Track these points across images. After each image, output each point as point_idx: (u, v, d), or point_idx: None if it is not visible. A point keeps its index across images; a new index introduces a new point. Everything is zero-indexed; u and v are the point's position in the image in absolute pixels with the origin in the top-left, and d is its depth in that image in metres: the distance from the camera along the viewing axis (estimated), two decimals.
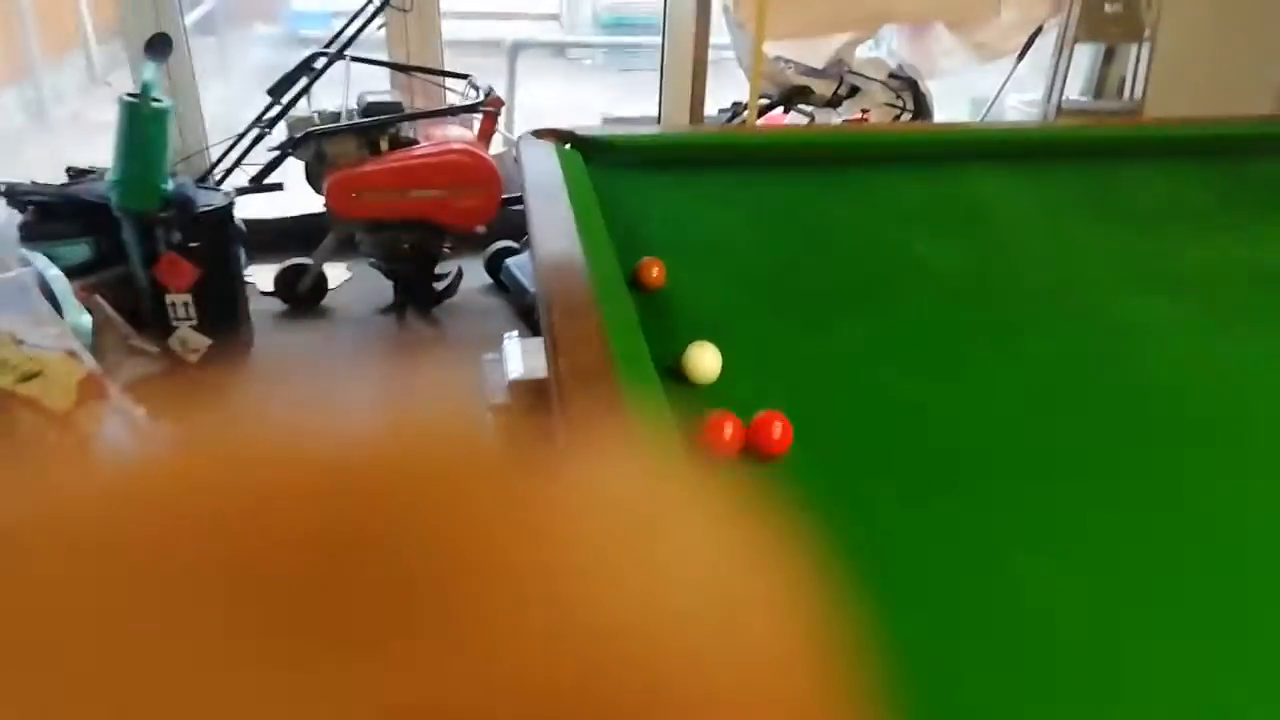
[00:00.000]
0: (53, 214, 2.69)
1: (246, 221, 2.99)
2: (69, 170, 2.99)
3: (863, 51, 3.32)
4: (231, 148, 2.93)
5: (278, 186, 2.90)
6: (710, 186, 1.82)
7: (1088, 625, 0.79)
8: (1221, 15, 3.39)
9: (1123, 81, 3.55)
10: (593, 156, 1.87)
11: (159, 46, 2.64)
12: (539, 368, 2.28)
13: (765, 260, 1.51)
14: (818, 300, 1.37)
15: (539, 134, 1.95)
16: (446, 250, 3.10)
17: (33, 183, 2.75)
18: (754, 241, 1.58)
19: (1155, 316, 1.36)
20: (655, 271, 1.37)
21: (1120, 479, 0.99)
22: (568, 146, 1.87)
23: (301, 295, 3.12)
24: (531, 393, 2.25)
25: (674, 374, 1.11)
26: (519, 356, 2.34)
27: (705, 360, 1.13)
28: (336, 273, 3.33)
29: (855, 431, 1.06)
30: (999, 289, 1.45)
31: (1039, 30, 3.47)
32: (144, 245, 2.58)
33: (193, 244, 2.60)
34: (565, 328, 1.18)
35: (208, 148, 3.19)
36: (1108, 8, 3.35)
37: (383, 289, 3.13)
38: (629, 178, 1.83)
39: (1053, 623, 0.79)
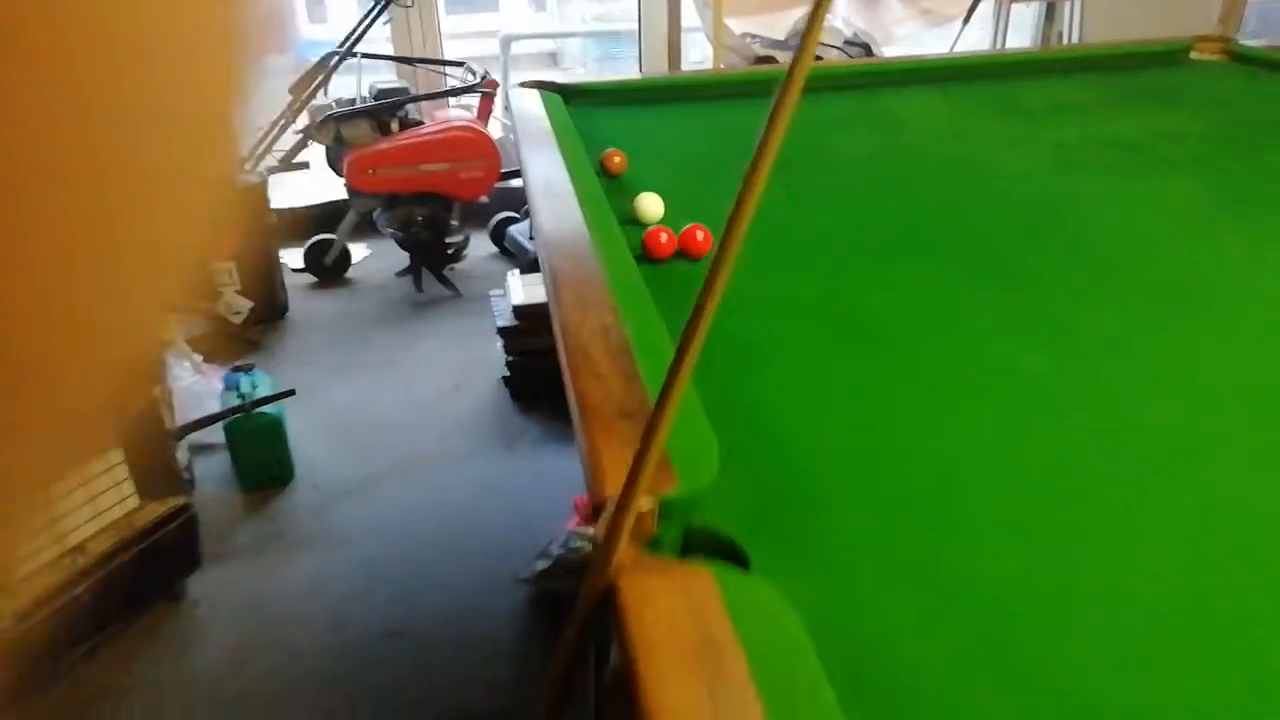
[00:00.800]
0: None
1: (276, 210, 3.35)
2: None
3: None
4: (261, 139, 3.31)
5: (305, 165, 3.28)
6: (665, 115, 2.17)
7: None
8: None
9: (1061, 36, 3.88)
10: (571, 99, 2.22)
11: None
12: (536, 296, 2.63)
13: (704, 157, 1.85)
14: (734, 171, 1.71)
15: (525, 85, 2.30)
16: (454, 223, 3.45)
17: None
18: (696, 147, 1.92)
19: (1022, 167, 1.70)
20: (618, 160, 1.71)
21: (974, 262, 1.32)
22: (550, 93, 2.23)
23: (328, 267, 3.49)
24: (529, 314, 2.60)
25: (632, 221, 1.45)
26: (520, 288, 2.69)
27: (651, 203, 1.47)
28: (357, 250, 3.70)
29: (762, 241, 1.39)
30: (901, 161, 1.79)
31: None
32: None
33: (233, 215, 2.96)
34: (547, 202, 1.51)
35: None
36: None
37: (400, 261, 3.49)
38: (600, 113, 2.17)
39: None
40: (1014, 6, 3.75)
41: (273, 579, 2.04)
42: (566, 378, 0.98)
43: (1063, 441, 0.90)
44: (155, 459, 1.83)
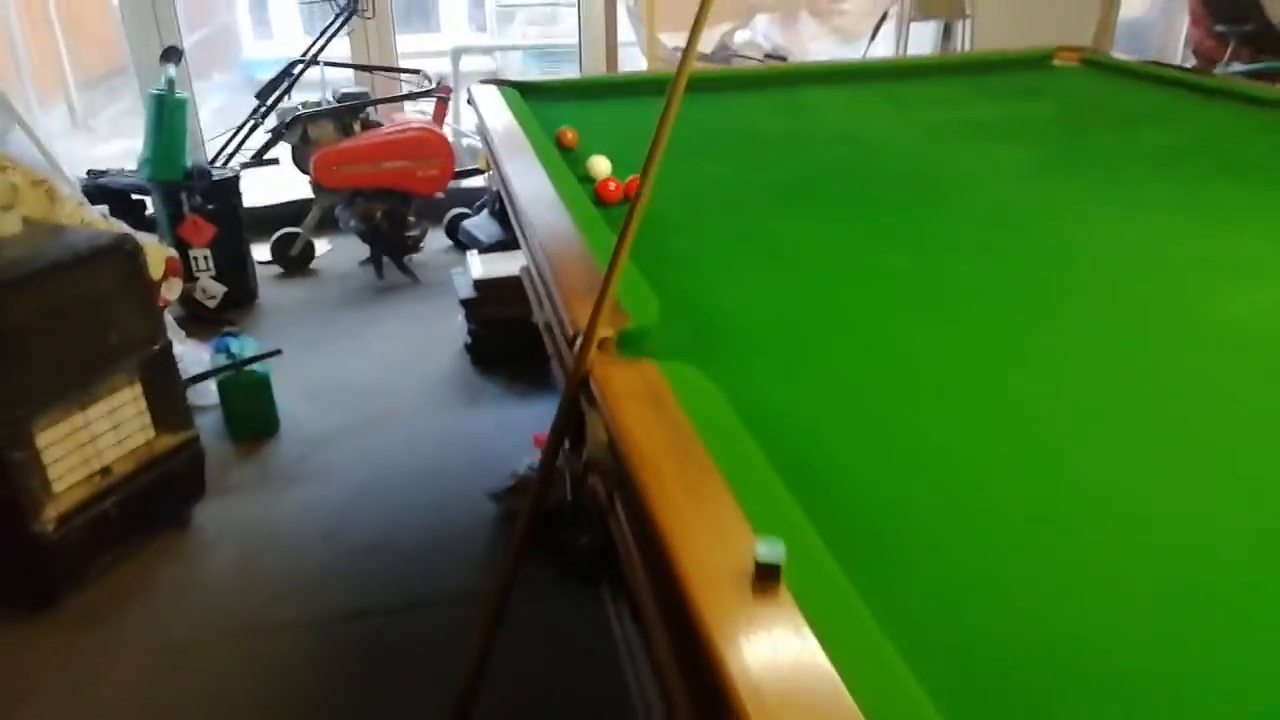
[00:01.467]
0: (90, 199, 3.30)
1: (245, 209, 3.61)
2: (89, 172, 3.60)
3: (742, 36, 4.09)
4: (230, 139, 3.58)
5: (274, 161, 3.55)
6: (609, 105, 2.52)
7: None
8: None
9: (956, 51, 4.36)
10: (527, 94, 2.56)
11: (172, 55, 3.28)
12: (494, 271, 2.95)
13: (640, 131, 2.20)
14: (677, 145, 2.07)
15: (485, 82, 2.64)
16: (412, 219, 3.75)
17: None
18: (632, 125, 2.27)
19: (899, 140, 2.09)
20: (570, 135, 2.06)
21: (855, 201, 1.69)
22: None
23: (294, 259, 3.76)
24: (488, 286, 2.92)
25: (586, 178, 1.78)
26: (479, 265, 3.01)
27: (600, 163, 1.81)
28: (320, 245, 3.97)
29: (683, 190, 1.75)
30: (805, 136, 2.17)
31: (885, 15, 4.28)
32: (170, 210, 3.21)
33: (209, 207, 3.23)
34: (514, 165, 1.84)
35: (204, 144, 3.83)
36: None
37: (361, 254, 3.77)
38: (554, 105, 2.52)
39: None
40: (914, 25, 4.21)
41: (268, 508, 2.31)
42: (548, 276, 1.32)
43: (910, 305, 1.27)
44: (168, 395, 2.10)
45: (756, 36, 4.26)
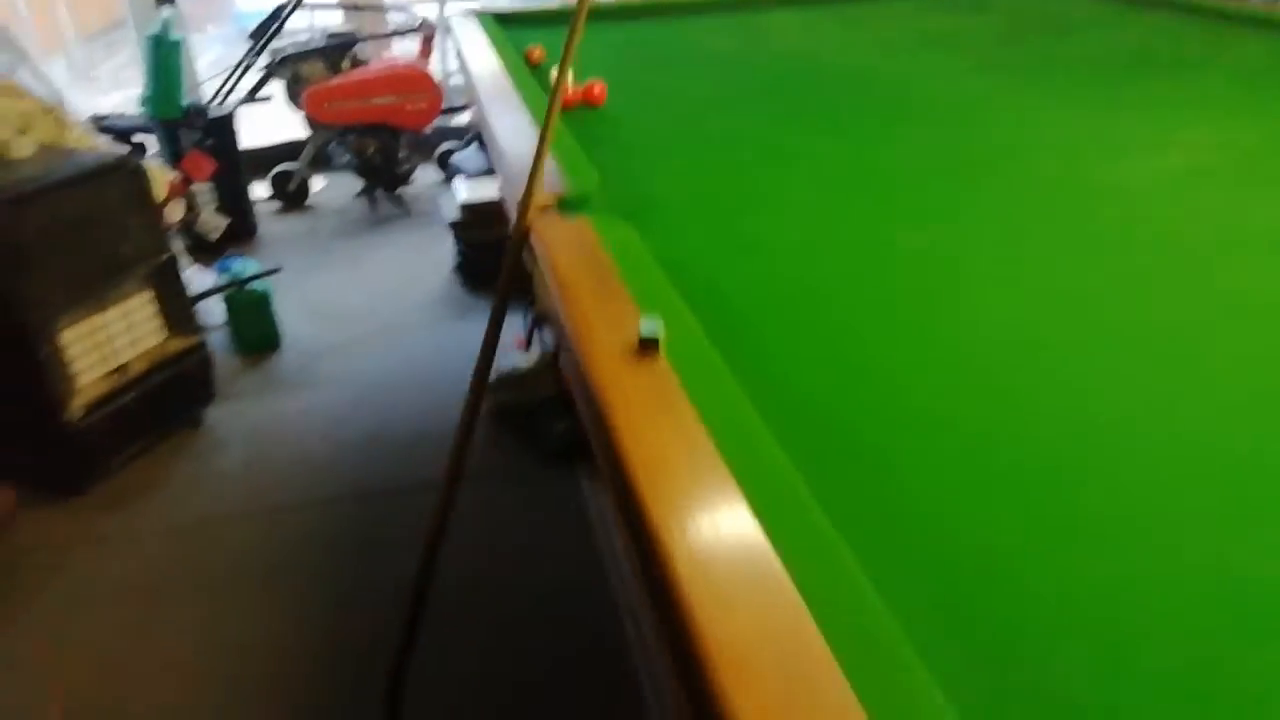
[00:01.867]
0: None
1: (242, 152, 3.76)
2: (93, 118, 3.75)
3: None
4: (226, 81, 3.73)
5: (267, 98, 3.70)
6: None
7: None
8: None
9: None
10: (504, 23, 2.71)
11: None
12: (478, 195, 3.12)
13: (601, 51, 2.35)
14: (637, 63, 2.23)
15: (468, 13, 2.78)
16: (403, 154, 3.90)
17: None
18: (595, 47, 2.43)
19: (848, 51, 2.24)
20: (537, 52, 2.21)
21: (803, 102, 1.85)
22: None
23: (291, 194, 3.93)
24: (473, 210, 3.09)
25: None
26: (465, 189, 3.18)
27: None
28: (316, 183, 4.13)
29: (654, 97, 1.91)
30: (758, 53, 2.32)
31: None
32: (171, 147, 3.37)
33: (208, 143, 3.39)
34: (486, 84, 2.00)
35: (200, 85, 3.98)
36: None
37: (355, 188, 3.93)
38: (527, 31, 2.66)
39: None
40: None
41: (273, 412, 2.52)
42: (507, 166, 1.49)
43: (833, 183, 1.44)
44: (176, 302, 2.29)
45: None
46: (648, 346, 0.88)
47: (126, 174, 2.12)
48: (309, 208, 4.00)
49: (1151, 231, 1.24)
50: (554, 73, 1.94)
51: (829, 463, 0.79)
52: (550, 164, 1.49)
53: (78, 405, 2.06)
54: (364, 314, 3.04)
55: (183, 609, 1.88)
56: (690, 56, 2.29)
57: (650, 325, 0.88)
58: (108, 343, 2.12)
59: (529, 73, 2.08)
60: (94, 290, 2.09)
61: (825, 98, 1.90)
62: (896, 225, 1.27)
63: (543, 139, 1.24)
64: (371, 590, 1.91)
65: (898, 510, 0.74)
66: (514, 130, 1.63)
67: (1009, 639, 0.61)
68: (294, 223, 3.87)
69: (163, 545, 2.04)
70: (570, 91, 1.86)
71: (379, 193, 3.85)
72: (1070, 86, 1.92)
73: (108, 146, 2.32)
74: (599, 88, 1.87)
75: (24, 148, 2.09)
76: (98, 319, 2.10)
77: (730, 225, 1.29)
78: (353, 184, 3.99)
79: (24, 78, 2.59)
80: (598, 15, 2.83)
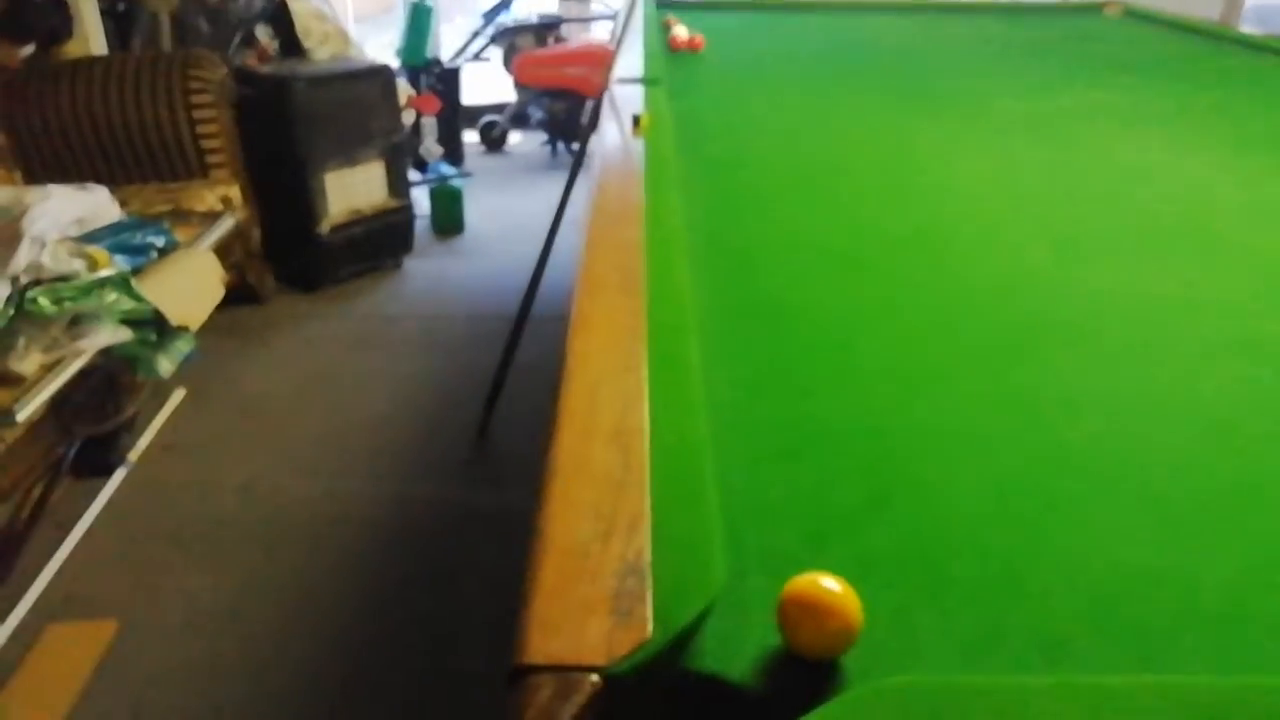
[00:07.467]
0: None
1: (464, 107, 4.77)
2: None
3: None
4: (464, 45, 4.78)
5: (487, 59, 4.73)
6: (718, 15, 3.46)
7: None
8: None
9: None
10: (662, 5, 3.54)
11: None
12: None
13: (727, 32, 3.13)
14: (736, 34, 2.99)
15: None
16: (584, 119, 4.81)
17: None
18: (722, 28, 3.21)
19: (923, 51, 2.91)
20: (670, 20, 3.02)
21: (869, 75, 2.55)
22: None
23: (493, 139, 4.94)
24: None
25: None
26: None
27: (680, 28, 2.76)
28: (513, 137, 5.13)
29: (736, 53, 2.67)
30: (854, 47, 3.03)
31: None
32: (414, 86, 4.42)
33: (438, 87, 4.43)
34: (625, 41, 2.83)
35: (441, 49, 5.07)
36: None
37: (543, 144, 4.89)
38: (680, 11, 3.48)
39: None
40: None
41: (451, 268, 3.45)
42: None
43: (845, 138, 2.16)
44: (398, 174, 3.25)
45: None
46: (636, 123, 1.64)
47: (382, 77, 3.09)
48: (505, 153, 5.00)
49: None
50: (679, 34, 2.75)
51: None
52: (638, 61, 2.29)
53: (326, 226, 3.04)
54: (531, 223, 3.93)
55: (377, 354, 2.80)
56: (783, 50, 3.04)
57: (643, 115, 1.64)
58: (351, 188, 3.10)
59: (662, 34, 2.90)
60: (349, 151, 3.06)
61: (892, 74, 2.59)
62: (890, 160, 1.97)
63: (622, 37, 2.03)
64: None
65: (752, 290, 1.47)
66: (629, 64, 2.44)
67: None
68: (492, 161, 4.87)
69: (367, 325, 2.98)
70: (681, 40, 2.66)
71: (560, 145, 4.78)
72: (1114, 88, 2.52)
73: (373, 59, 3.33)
74: (700, 39, 2.65)
75: (322, 53, 3.11)
76: (347, 171, 3.08)
77: (737, 106, 2.03)
78: (541, 141, 4.95)
79: (325, 9, 3.67)
80: (737, 6, 3.62)
